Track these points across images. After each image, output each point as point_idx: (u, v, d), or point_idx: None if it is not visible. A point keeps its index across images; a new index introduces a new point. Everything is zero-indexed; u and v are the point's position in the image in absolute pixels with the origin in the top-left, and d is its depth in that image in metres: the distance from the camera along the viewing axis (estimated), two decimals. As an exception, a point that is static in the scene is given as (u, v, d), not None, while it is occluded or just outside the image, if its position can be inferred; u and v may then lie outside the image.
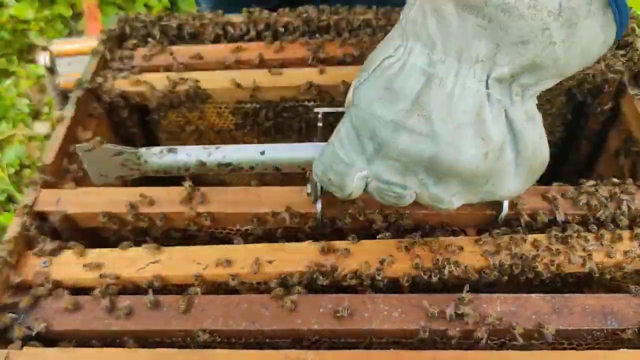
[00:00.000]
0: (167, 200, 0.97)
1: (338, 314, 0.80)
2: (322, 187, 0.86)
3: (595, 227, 0.90)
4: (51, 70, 1.31)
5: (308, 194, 0.90)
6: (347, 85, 1.13)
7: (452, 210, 0.77)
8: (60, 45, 1.38)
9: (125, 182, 1.11)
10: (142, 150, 0.85)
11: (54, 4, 3.25)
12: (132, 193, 0.99)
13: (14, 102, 2.84)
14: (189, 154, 0.84)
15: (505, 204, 0.89)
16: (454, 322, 0.80)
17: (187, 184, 0.97)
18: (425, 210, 0.92)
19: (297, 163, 0.83)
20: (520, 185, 0.75)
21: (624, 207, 0.91)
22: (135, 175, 0.87)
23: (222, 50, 1.25)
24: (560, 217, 0.91)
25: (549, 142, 1.24)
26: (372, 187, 0.74)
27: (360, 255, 0.88)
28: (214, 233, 0.99)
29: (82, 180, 1.05)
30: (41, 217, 0.97)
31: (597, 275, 0.86)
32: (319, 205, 0.90)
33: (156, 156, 0.85)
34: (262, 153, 0.82)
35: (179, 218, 0.96)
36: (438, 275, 0.85)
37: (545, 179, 1.02)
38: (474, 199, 0.76)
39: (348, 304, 0.82)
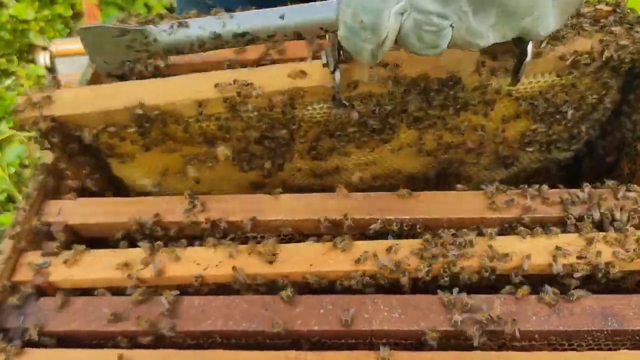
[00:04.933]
0: (168, 210, 0.97)
1: (342, 320, 0.81)
2: (339, 53, 0.80)
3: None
4: (51, 70, 1.31)
5: (324, 65, 0.82)
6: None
7: (485, 47, 0.73)
8: (60, 45, 1.39)
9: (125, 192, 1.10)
10: (150, 27, 0.79)
11: (54, 4, 3.25)
12: (132, 203, 0.99)
13: (14, 102, 2.84)
14: (202, 27, 0.78)
15: (530, 49, 0.82)
16: (455, 324, 0.80)
17: (187, 192, 0.98)
18: (425, 215, 0.93)
19: (320, 23, 0.76)
20: (557, 21, 0.74)
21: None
22: (142, 58, 0.83)
23: (223, 51, 1.24)
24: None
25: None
26: (408, 25, 0.69)
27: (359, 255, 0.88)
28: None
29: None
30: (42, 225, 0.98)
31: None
32: (337, 76, 0.83)
33: (166, 33, 0.79)
34: (282, 17, 0.76)
35: (179, 227, 0.96)
36: (444, 276, 0.86)
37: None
38: (509, 34, 0.73)
39: (348, 304, 0.82)
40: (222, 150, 1.00)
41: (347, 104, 0.90)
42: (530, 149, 1.12)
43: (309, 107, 0.94)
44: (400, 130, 1.01)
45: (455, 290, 0.83)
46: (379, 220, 0.93)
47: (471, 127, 1.03)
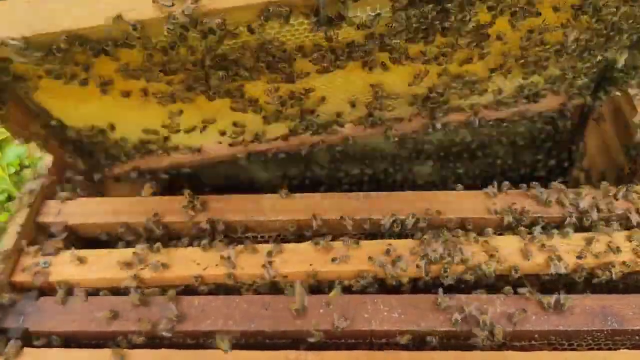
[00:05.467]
0: (169, 210, 0.97)
1: (338, 324, 0.80)
2: None
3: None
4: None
5: None
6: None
7: None
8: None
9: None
10: None
11: (54, 3, 3.25)
12: (132, 203, 0.99)
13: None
14: None
15: None
16: (455, 323, 0.80)
17: (187, 192, 0.98)
18: (426, 215, 0.93)
19: None
20: None
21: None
22: None
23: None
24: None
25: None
26: None
27: (359, 256, 0.88)
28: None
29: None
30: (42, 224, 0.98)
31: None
32: None
33: None
34: None
35: (179, 227, 0.97)
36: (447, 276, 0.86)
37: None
38: None
39: (348, 304, 0.83)
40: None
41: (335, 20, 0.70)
42: (562, 58, 0.98)
43: (285, 26, 0.72)
44: (410, 47, 0.83)
45: (455, 290, 0.83)
46: (389, 219, 0.93)
47: (495, 37, 0.87)
